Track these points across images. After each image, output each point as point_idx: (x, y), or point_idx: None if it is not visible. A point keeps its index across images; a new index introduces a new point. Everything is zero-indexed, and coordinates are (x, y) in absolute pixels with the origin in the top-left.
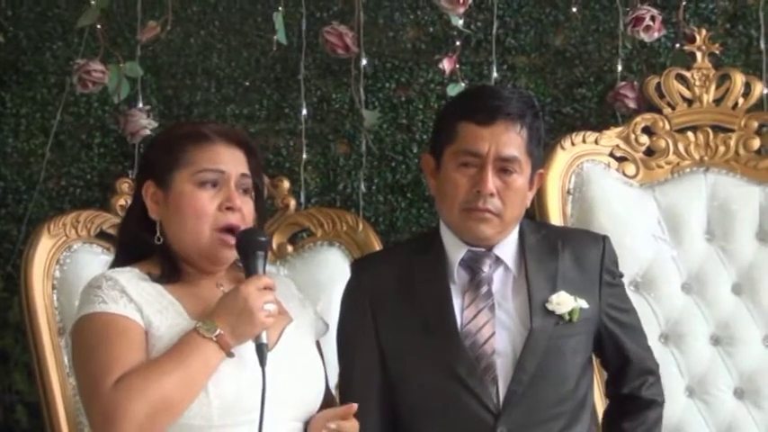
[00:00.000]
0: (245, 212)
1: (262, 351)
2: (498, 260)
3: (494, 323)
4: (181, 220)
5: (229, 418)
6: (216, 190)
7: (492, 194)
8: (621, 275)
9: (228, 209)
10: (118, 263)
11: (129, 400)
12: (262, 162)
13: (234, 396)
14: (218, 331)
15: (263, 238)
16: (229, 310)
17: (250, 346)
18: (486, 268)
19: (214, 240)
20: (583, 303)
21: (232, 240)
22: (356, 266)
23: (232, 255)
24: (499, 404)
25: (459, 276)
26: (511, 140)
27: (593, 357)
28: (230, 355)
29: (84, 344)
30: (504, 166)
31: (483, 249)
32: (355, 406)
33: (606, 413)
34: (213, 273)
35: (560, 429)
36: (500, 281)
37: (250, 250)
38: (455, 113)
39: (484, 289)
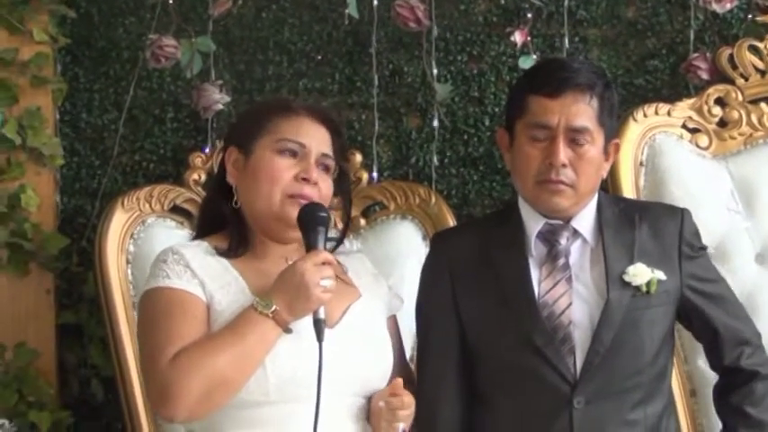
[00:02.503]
0: (321, 188)
1: (319, 327)
2: (576, 233)
3: (571, 294)
4: (256, 183)
5: (287, 394)
6: (296, 160)
7: (564, 165)
8: (704, 247)
9: (304, 180)
10: (197, 235)
11: (184, 377)
12: (346, 144)
13: (291, 372)
14: (274, 307)
15: (324, 214)
16: (286, 286)
17: (309, 322)
18: (563, 240)
19: (285, 203)
20: (660, 275)
21: (303, 201)
22: (435, 240)
23: None
24: (576, 375)
25: (536, 249)
26: (580, 111)
27: (675, 331)
28: (288, 330)
29: (146, 318)
30: (575, 137)
31: (560, 222)
32: (400, 380)
33: (715, 388)
34: (284, 242)
35: (638, 401)
36: (578, 253)
37: (311, 225)
38: (525, 87)
39: (561, 261)
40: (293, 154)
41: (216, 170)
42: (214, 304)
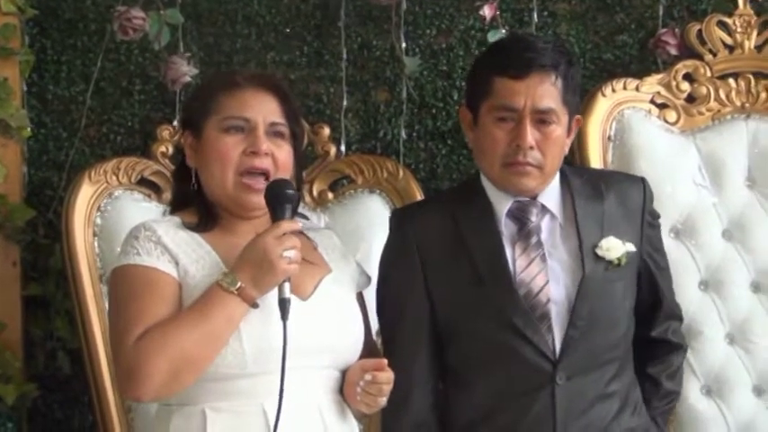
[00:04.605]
0: (277, 157)
1: (284, 306)
2: (544, 208)
3: (546, 272)
4: (209, 165)
5: (264, 365)
6: (243, 136)
7: (531, 147)
8: (659, 216)
9: (253, 153)
10: (171, 210)
11: (150, 358)
12: (297, 107)
13: (267, 344)
14: (239, 284)
15: (291, 191)
16: (250, 261)
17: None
18: (533, 218)
19: (238, 185)
20: (630, 247)
21: (257, 185)
22: (398, 217)
23: (259, 200)
24: (556, 352)
25: (506, 227)
26: (546, 92)
27: None
28: (255, 306)
29: (115, 296)
30: (542, 118)
31: (528, 199)
32: (385, 360)
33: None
34: (249, 218)
35: (614, 373)
36: (547, 229)
37: (277, 202)
38: (489, 68)
39: (534, 239)
40: (240, 130)
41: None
42: (188, 279)
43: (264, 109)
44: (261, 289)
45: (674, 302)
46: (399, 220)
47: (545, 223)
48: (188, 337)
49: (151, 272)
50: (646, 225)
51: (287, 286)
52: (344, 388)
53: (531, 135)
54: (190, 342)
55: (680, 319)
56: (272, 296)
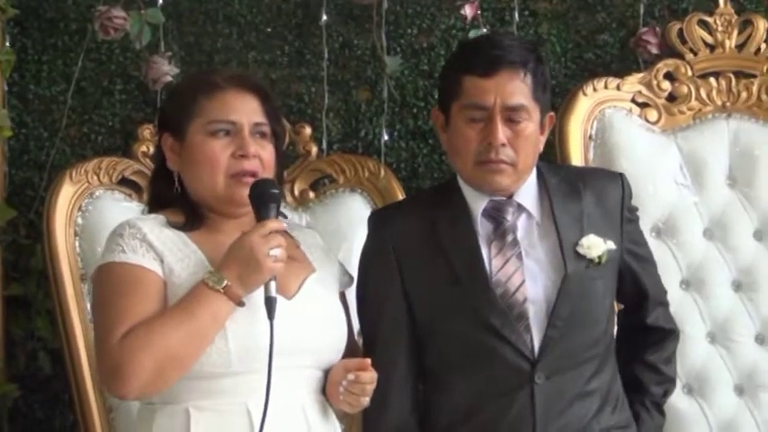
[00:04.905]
0: (263, 158)
1: (270, 305)
2: (520, 207)
3: (523, 271)
4: (197, 169)
5: (249, 364)
6: (229, 139)
7: (503, 144)
8: (637, 209)
9: (242, 156)
10: (150, 209)
11: (135, 356)
12: (278, 107)
13: (253, 342)
14: (225, 282)
15: (275, 190)
16: (236, 259)
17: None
18: (509, 217)
19: (230, 185)
20: (611, 245)
21: (247, 180)
22: (375, 219)
23: None
24: (535, 351)
25: (482, 227)
26: (516, 89)
27: None
28: (241, 304)
29: (100, 294)
30: (512, 116)
31: (504, 198)
32: (368, 360)
33: (625, 345)
34: (236, 216)
35: (594, 371)
36: (524, 228)
37: (261, 202)
38: (457, 67)
39: (510, 237)
40: (226, 132)
41: (155, 152)
42: (173, 277)
43: (247, 110)
44: (247, 287)
45: (662, 289)
46: (376, 221)
47: (521, 222)
48: (173, 334)
49: (136, 269)
50: (625, 221)
51: (273, 285)
52: (327, 387)
53: (502, 132)
54: (175, 340)
55: (666, 304)
56: (258, 295)
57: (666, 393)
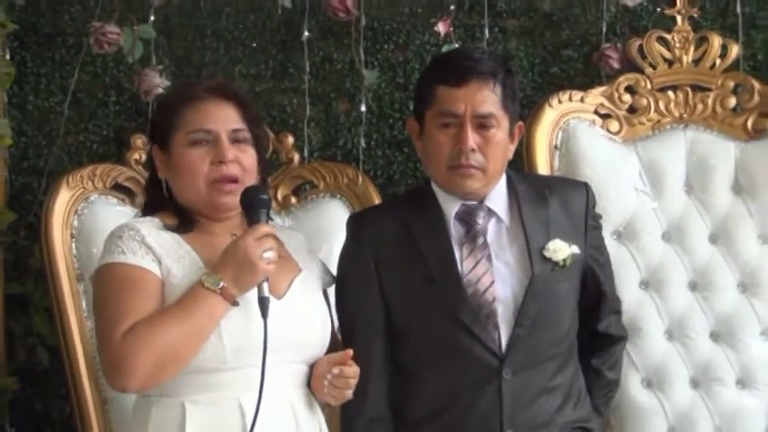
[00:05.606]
0: (243, 162)
1: (264, 304)
2: (490, 212)
3: (492, 272)
4: (180, 178)
5: (243, 360)
6: (209, 147)
7: (473, 150)
8: (601, 217)
9: (221, 162)
10: (144, 213)
11: (136, 351)
12: (257, 112)
13: (246, 339)
14: (221, 284)
15: (265, 196)
16: (231, 262)
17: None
18: (480, 220)
19: (211, 191)
20: (575, 249)
21: (228, 187)
22: (353, 222)
23: (232, 200)
24: (502, 348)
25: (455, 229)
26: (485, 98)
27: None
28: (235, 304)
29: (101, 293)
30: (482, 123)
31: (475, 202)
32: (351, 351)
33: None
34: (223, 220)
35: (557, 368)
36: (494, 231)
37: (252, 208)
38: (431, 78)
39: (480, 240)
40: (205, 142)
41: (147, 160)
42: (170, 278)
43: (224, 118)
44: (242, 288)
45: (616, 297)
46: (354, 225)
47: (491, 226)
48: (172, 332)
49: (136, 270)
50: (589, 228)
51: (266, 285)
52: (312, 381)
53: (472, 139)
54: (174, 337)
55: (620, 312)
56: (251, 295)
57: (609, 396)
